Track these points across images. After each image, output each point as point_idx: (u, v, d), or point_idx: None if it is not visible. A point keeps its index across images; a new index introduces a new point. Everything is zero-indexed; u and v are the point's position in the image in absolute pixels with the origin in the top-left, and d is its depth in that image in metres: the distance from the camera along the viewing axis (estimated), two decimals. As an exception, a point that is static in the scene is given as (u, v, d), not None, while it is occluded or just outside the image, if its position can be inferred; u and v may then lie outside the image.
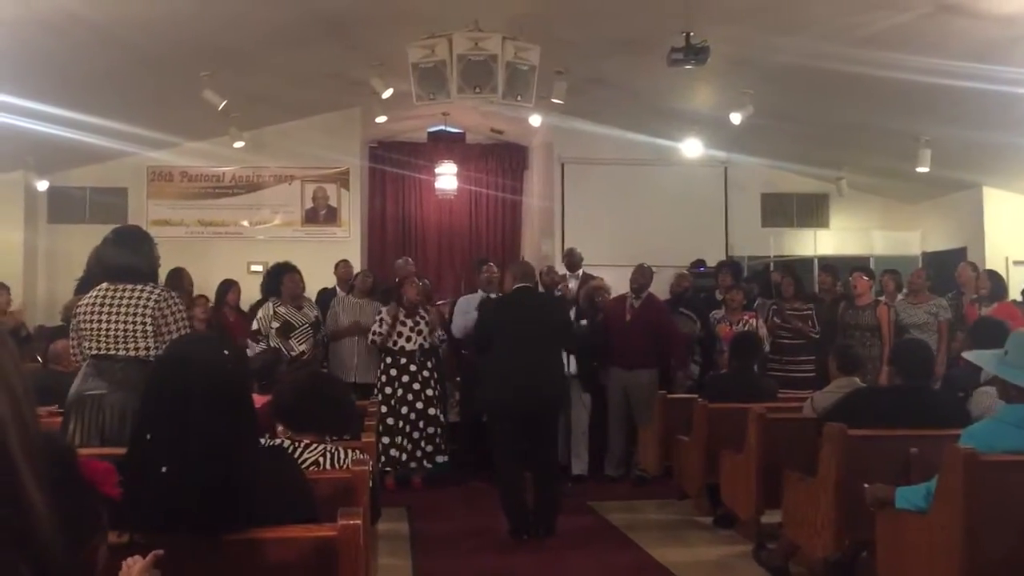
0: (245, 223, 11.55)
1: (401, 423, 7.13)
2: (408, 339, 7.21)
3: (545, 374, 5.68)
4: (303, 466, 2.97)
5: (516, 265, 6.34)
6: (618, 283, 8.28)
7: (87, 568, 1.05)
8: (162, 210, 11.37)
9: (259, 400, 3.35)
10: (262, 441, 2.60)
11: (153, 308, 3.98)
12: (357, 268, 9.32)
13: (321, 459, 3.11)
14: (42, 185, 10.71)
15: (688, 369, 8.02)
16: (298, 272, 7.09)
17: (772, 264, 9.73)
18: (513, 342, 5.68)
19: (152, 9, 6.79)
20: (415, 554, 5.39)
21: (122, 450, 2.57)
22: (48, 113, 8.14)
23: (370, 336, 7.27)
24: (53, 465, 0.85)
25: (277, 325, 6.85)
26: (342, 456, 3.14)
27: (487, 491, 6.45)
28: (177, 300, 4.15)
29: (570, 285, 8.69)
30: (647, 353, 7.34)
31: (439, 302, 8.54)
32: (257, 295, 8.06)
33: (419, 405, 7.17)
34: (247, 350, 7.01)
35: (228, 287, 8.25)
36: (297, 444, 3.12)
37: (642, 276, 7.59)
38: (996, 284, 7.90)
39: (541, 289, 7.43)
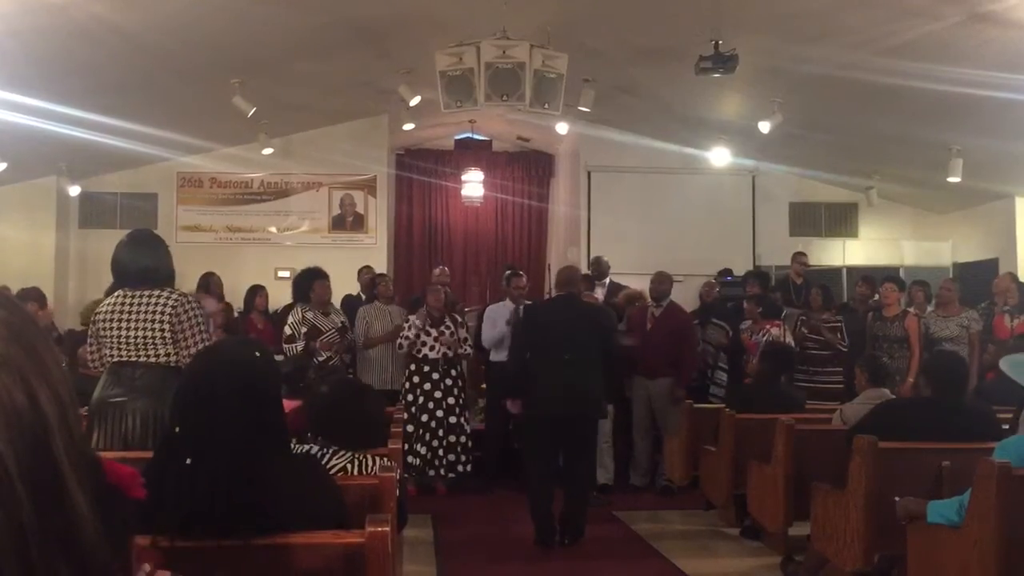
0: (273, 229, 11.64)
1: (421, 430, 7.11)
2: (432, 347, 7.22)
3: (584, 381, 5.61)
4: (331, 472, 2.98)
5: (561, 271, 6.34)
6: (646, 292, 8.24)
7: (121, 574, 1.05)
8: (191, 216, 11.48)
9: (288, 405, 3.36)
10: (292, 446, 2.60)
11: (171, 314, 3.94)
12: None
13: (349, 465, 3.11)
14: (74, 190, 10.85)
15: (714, 378, 8.00)
16: (328, 279, 7.12)
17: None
18: (553, 348, 5.65)
19: (184, 17, 6.86)
20: (440, 561, 5.39)
21: (146, 454, 2.58)
22: (81, 118, 8.24)
23: (398, 340, 7.29)
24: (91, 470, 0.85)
25: (305, 330, 6.88)
26: (370, 463, 3.14)
27: (512, 498, 6.44)
28: (195, 305, 4.10)
29: (596, 294, 8.67)
30: (670, 361, 7.29)
31: (467, 309, 8.54)
32: (283, 301, 8.10)
33: (439, 413, 7.16)
34: (280, 356, 7.06)
35: (256, 292, 8.29)
36: (326, 450, 3.13)
37: (661, 284, 7.54)
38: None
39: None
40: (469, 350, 7.44)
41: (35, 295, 7.17)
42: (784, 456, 5.07)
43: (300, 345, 6.80)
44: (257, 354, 2.25)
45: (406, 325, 7.29)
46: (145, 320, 3.95)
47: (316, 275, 7.10)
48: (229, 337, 4.72)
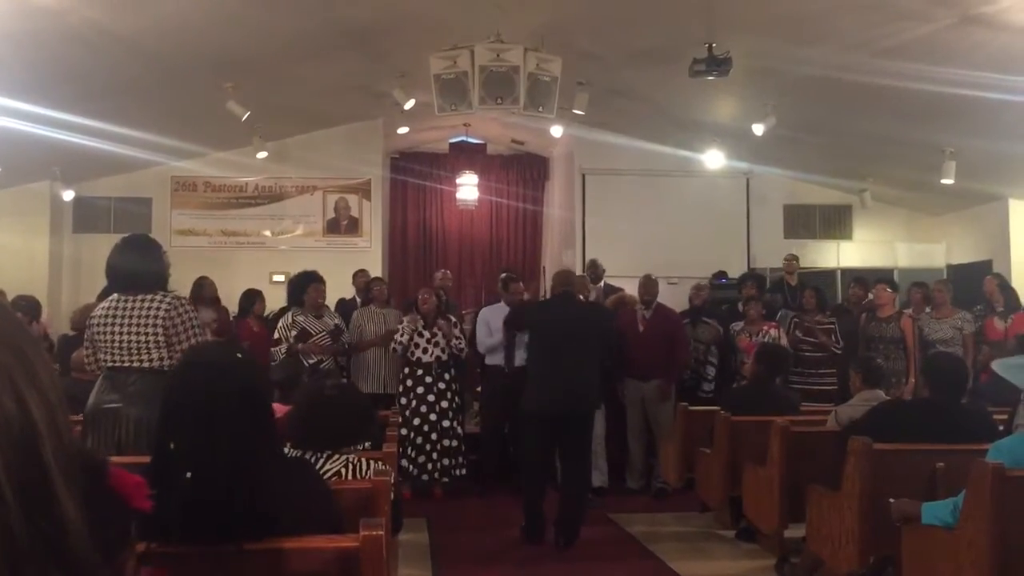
0: (267, 233, 11.63)
1: (413, 434, 7.09)
2: (425, 350, 7.20)
3: (582, 378, 5.67)
4: (325, 477, 2.97)
5: (557, 275, 6.40)
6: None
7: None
8: (186, 220, 11.47)
9: (280, 410, 3.35)
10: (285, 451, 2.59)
11: (164, 318, 3.95)
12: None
13: (343, 470, 3.10)
14: (68, 195, 10.84)
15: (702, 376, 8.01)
16: (323, 283, 7.11)
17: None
18: (552, 345, 5.71)
19: (177, 21, 6.86)
20: (436, 565, 5.38)
21: (142, 458, 2.57)
22: (75, 123, 8.23)
23: (392, 344, 7.29)
24: (84, 476, 0.85)
25: (295, 334, 6.87)
26: (364, 467, 3.13)
27: (508, 502, 6.43)
28: (188, 308, 4.11)
29: (592, 296, 8.66)
30: (663, 363, 7.31)
31: (464, 312, 8.52)
32: (277, 305, 8.08)
33: (432, 417, 7.14)
34: (272, 360, 7.04)
35: (254, 297, 8.25)
36: (319, 455, 3.11)
37: (651, 287, 7.58)
38: (1009, 296, 7.84)
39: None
40: (464, 347, 7.41)
41: (28, 306, 7.12)
42: (779, 458, 5.06)
43: (284, 348, 6.77)
44: (239, 355, 2.24)
45: (399, 328, 7.27)
46: (139, 324, 3.95)
47: (311, 279, 7.08)
48: (211, 342, 4.70)
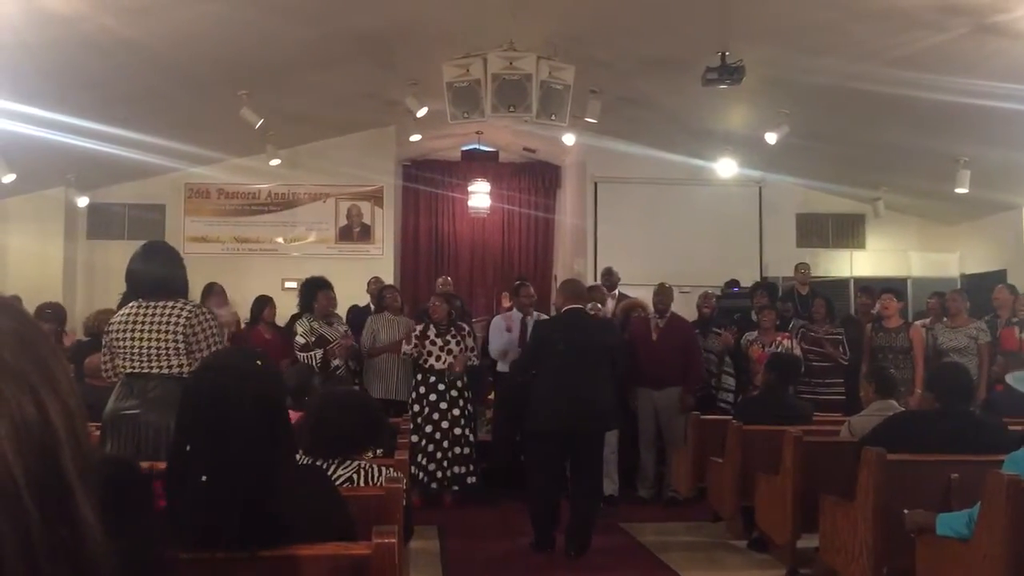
0: (280, 240, 11.67)
1: (424, 441, 7.09)
2: (438, 358, 7.20)
3: (595, 394, 5.64)
4: (337, 483, 2.96)
5: (567, 285, 6.37)
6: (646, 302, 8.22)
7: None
8: (199, 227, 11.52)
9: (292, 416, 3.34)
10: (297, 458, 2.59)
11: (184, 325, 3.94)
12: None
13: (355, 476, 3.10)
14: (82, 201, 10.92)
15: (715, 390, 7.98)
16: (332, 288, 7.12)
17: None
18: (563, 362, 5.66)
19: (192, 29, 6.90)
20: (447, 573, 5.37)
21: (156, 464, 2.57)
22: (89, 129, 8.29)
23: (403, 349, 7.30)
24: (108, 484, 0.85)
25: (313, 340, 6.88)
26: (376, 474, 3.13)
27: (518, 510, 6.42)
28: (209, 315, 4.09)
29: (608, 304, 8.66)
30: (677, 371, 7.30)
31: (475, 320, 8.52)
32: (289, 312, 8.11)
33: (444, 424, 7.13)
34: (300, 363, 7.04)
35: (264, 304, 8.27)
36: (331, 462, 3.11)
37: (666, 296, 7.57)
38: None
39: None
40: (475, 360, 7.42)
41: (54, 314, 7.13)
42: (792, 468, 5.04)
43: (319, 354, 6.77)
44: (259, 363, 2.24)
45: (412, 336, 7.28)
46: (159, 331, 3.94)
47: (319, 285, 7.09)
48: (230, 348, 4.70)
